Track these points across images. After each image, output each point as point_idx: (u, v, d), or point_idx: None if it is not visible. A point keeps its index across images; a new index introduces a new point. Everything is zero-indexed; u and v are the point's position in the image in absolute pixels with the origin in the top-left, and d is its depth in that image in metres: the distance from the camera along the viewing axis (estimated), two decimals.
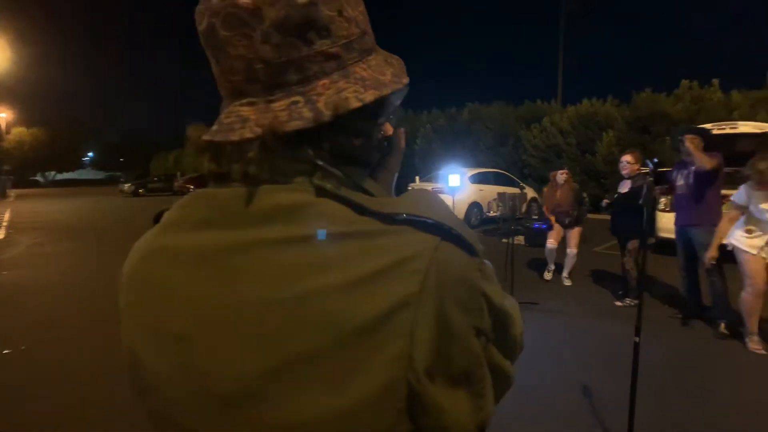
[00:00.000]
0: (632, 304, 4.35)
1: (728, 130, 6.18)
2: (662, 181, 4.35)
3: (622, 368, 2.41)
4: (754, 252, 3.07)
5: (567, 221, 5.20)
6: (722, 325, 3.42)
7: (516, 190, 10.75)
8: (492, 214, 8.78)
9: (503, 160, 15.41)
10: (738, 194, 3.15)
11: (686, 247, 3.78)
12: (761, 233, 3.06)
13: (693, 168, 3.60)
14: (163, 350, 0.39)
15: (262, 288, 0.35)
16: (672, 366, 3.03)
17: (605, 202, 4.89)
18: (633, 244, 4.36)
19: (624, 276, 4.52)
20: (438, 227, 0.37)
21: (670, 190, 4.11)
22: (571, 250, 5.11)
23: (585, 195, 5.83)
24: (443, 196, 9.71)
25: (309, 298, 0.34)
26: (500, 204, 8.82)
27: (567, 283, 5.17)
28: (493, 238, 8.84)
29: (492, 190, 10.58)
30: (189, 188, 21.56)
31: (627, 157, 4.40)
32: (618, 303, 4.43)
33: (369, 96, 0.39)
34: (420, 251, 0.36)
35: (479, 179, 10.42)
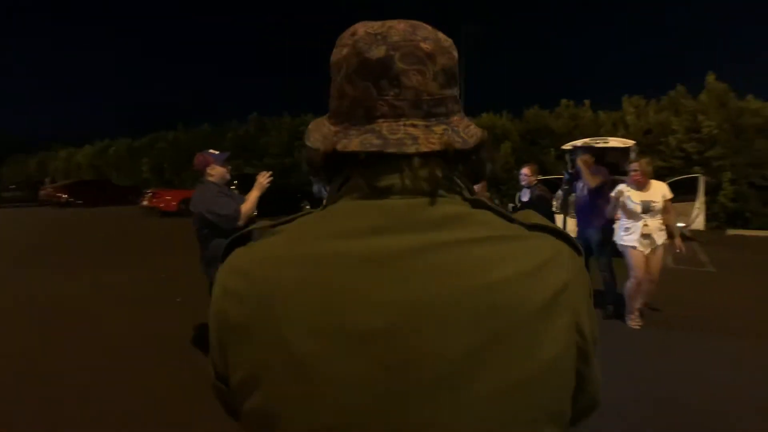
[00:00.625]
0: None
1: (602, 144, 7.52)
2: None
3: None
4: (635, 246, 3.83)
5: None
6: (610, 308, 4.21)
7: None
8: None
9: None
10: (615, 191, 3.93)
11: (584, 245, 4.57)
12: (636, 227, 3.83)
13: (581, 183, 4.46)
14: (356, 350, 0.41)
15: (455, 281, 0.42)
16: None
17: (511, 206, 5.58)
18: None
19: None
20: (561, 234, 0.50)
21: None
22: None
23: (497, 201, 6.49)
24: None
25: (496, 286, 0.42)
26: None
27: None
28: None
29: None
30: (62, 197, 18.62)
31: (525, 170, 5.06)
32: None
33: (482, 132, 0.51)
34: (560, 250, 0.48)
35: None
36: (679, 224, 5.58)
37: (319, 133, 0.52)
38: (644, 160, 3.86)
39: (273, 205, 12.04)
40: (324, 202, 0.54)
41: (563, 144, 13.13)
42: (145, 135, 25.91)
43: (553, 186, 9.44)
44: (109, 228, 11.89)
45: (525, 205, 5.13)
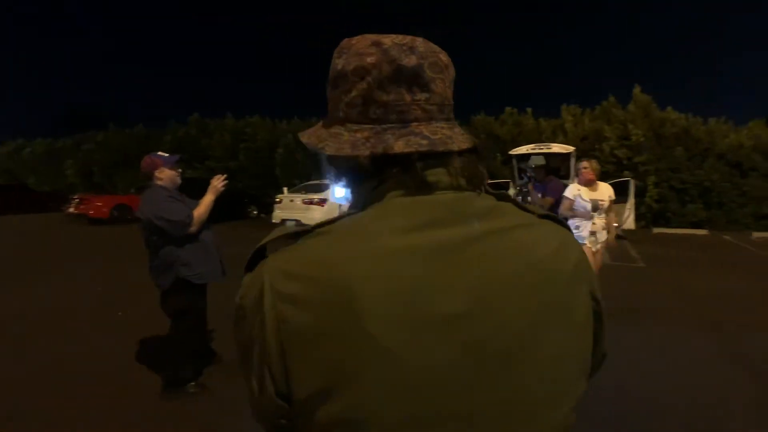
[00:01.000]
0: None
1: (546, 150, 8.03)
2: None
3: None
4: (584, 243, 4.11)
5: None
6: None
7: None
8: None
9: None
10: (568, 190, 4.20)
11: None
12: (585, 225, 4.11)
13: (547, 188, 4.76)
14: (441, 336, 0.45)
15: (509, 262, 0.49)
16: None
17: None
18: None
19: None
20: (559, 220, 0.59)
21: None
22: None
23: None
24: (315, 207, 9.89)
25: (539, 264, 0.50)
26: None
27: None
28: None
29: None
30: None
31: None
32: None
33: None
34: (566, 233, 0.57)
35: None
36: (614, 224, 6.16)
37: (339, 140, 0.54)
38: (594, 161, 4.17)
39: (219, 211, 11.60)
40: (349, 203, 0.58)
41: (509, 149, 13.91)
42: (68, 136, 23.78)
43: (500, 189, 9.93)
44: (31, 238, 10.76)
45: None
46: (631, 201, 9.04)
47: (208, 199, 2.91)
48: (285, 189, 10.98)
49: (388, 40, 0.53)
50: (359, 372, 0.43)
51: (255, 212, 15.47)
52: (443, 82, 0.54)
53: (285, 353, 0.46)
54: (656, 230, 11.33)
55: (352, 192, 0.59)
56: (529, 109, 14.34)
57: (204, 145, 18.05)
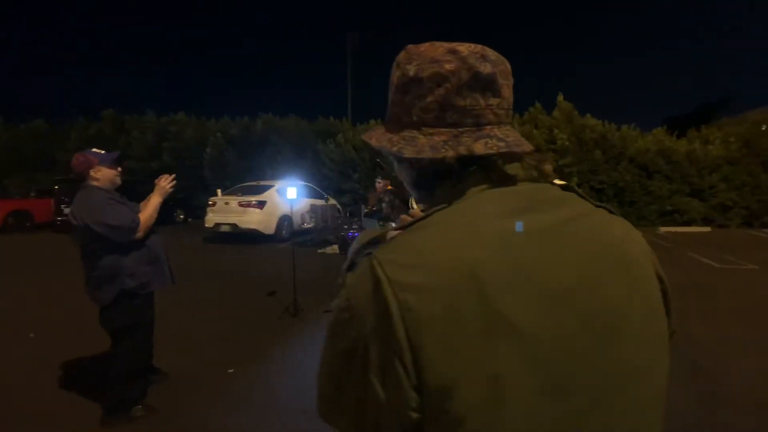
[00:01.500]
0: None
1: None
2: None
3: None
4: None
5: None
6: None
7: (322, 202, 11.42)
8: (306, 225, 9.06)
9: (303, 173, 15.99)
10: None
11: None
12: None
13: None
14: (563, 309, 0.48)
15: (599, 243, 0.54)
16: None
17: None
18: None
19: None
20: (609, 209, 0.61)
21: None
22: None
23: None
24: (253, 210, 9.43)
25: (620, 243, 0.55)
26: (313, 215, 9.21)
27: None
28: (308, 248, 9.13)
29: (303, 202, 10.89)
30: None
31: (380, 181, 5.59)
32: None
33: None
34: (623, 220, 0.60)
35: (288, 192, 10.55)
36: None
37: (416, 143, 0.58)
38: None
39: None
40: (414, 199, 0.65)
41: None
42: None
43: None
44: None
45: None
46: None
47: (155, 201, 2.63)
48: (218, 191, 10.35)
49: (463, 48, 0.57)
50: (494, 351, 0.45)
51: (182, 217, 14.45)
52: (509, 88, 0.60)
53: (413, 342, 0.45)
54: None
55: (426, 191, 0.64)
56: None
57: (122, 144, 16.47)
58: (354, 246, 0.59)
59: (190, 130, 16.77)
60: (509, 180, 0.56)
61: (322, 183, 15.50)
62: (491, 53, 0.58)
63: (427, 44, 0.60)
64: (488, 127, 0.57)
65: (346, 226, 8.90)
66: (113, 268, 2.43)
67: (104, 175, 2.53)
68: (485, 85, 0.56)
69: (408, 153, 0.57)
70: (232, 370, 3.27)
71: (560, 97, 13.85)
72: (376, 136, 0.63)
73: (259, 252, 8.81)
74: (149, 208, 2.57)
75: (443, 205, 0.54)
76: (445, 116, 0.57)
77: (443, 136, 0.57)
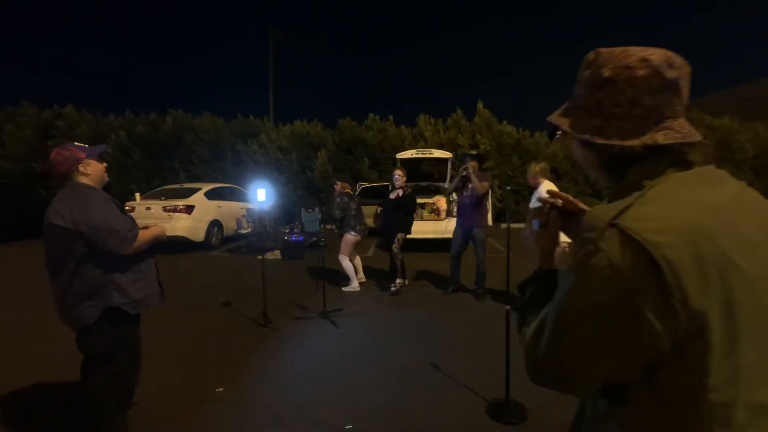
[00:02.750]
0: (405, 283, 5.65)
1: (428, 155, 8.81)
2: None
3: (441, 340, 3.27)
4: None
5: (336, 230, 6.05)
6: (483, 292, 5.15)
7: (257, 206, 10.90)
8: (244, 231, 8.60)
9: (223, 174, 15.09)
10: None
11: (464, 241, 5.28)
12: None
13: (471, 185, 5.09)
14: (756, 254, 0.65)
15: (761, 206, 0.72)
16: (466, 325, 4.26)
17: (379, 209, 6.04)
18: (401, 236, 5.64)
19: (392, 264, 5.73)
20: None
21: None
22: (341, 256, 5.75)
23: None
24: (180, 215, 8.68)
25: None
26: (250, 220, 8.80)
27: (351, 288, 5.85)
28: (245, 255, 8.68)
29: (232, 207, 10.30)
30: None
31: (399, 172, 5.76)
32: (392, 288, 5.58)
33: None
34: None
35: (216, 195, 9.91)
36: None
37: (605, 132, 0.74)
38: (533, 163, 4.77)
39: (18, 226, 9.08)
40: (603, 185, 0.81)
41: (375, 153, 14.67)
42: None
43: (377, 193, 10.46)
44: None
45: (395, 201, 5.72)
46: (489, 201, 10.60)
47: (154, 231, 2.39)
48: (138, 195, 9.36)
49: (654, 57, 0.70)
50: (734, 298, 0.61)
51: None
52: (687, 89, 0.74)
53: (677, 282, 0.60)
54: (503, 225, 13.51)
55: (616, 172, 0.76)
56: (390, 117, 15.41)
57: None
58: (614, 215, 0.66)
59: (84, 126, 14.82)
60: (690, 164, 0.72)
61: (246, 186, 14.78)
62: (678, 60, 0.71)
63: (620, 50, 0.73)
64: (669, 120, 0.72)
65: (287, 231, 8.65)
66: (99, 281, 2.15)
67: (95, 169, 2.24)
68: (670, 87, 0.71)
69: (600, 140, 0.74)
70: (221, 389, 3.06)
71: (480, 105, 14.97)
72: (569, 123, 0.79)
73: (191, 261, 8.17)
74: (147, 233, 2.32)
75: (655, 181, 0.69)
76: (633, 112, 0.72)
77: (630, 127, 0.72)
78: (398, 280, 5.65)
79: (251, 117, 16.96)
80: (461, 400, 2.91)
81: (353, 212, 5.60)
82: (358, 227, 5.60)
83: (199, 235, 8.97)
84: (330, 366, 3.47)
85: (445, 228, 8.11)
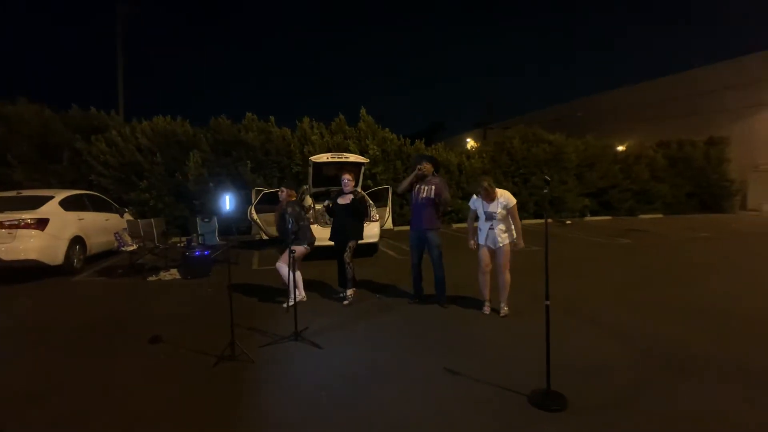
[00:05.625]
0: (354, 293, 5.53)
1: (344, 159, 8.70)
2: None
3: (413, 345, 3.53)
4: (481, 242, 4.92)
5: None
6: (444, 298, 5.31)
7: (116, 216, 9.21)
8: (128, 248, 7.13)
9: (57, 179, 12.21)
10: (471, 201, 4.93)
11: (420, 247, 5.32)
12: (482, 229, 4.90)
13: (432, 187, 5.15)
14: None
15: None
16: (439, 327, 4.43)
17: (326, 203, 5.74)
18: (353, 244, 5.50)
19: (344, 272, 5.55)
20: None
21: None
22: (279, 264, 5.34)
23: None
24: (28, 232, 6.74)
25: None
26: (134, 235, 7.44)
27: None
28: (126, 278, 7.18)
29: (96, 219, 8.51)
30: None
31: (348, 176, 5.59)
32: (345, 298, 5.49)
33: None
34: None
35: (74, 205, 7.99)
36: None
37: None
38: (489, 178, 4.84)
39: None
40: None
41: (259, 155, 13.73)
42: None
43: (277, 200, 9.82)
44: None
45: (346, 207, 5.48)
46: (389, 205, 11.00)
47: None
48: None
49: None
50: None
51: None
52: None
53: None
54: (396, 228, 14.15)
55: None
56: (272, 117, 14.64)
57: None
58: None
59: None
60: None
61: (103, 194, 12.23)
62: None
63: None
64: None
65: (186, 245, 7.51)
66: None
67: None
68: None
69: None
70: None
71: (363, 111, 15.37)
72: None
73: (56, 292, 6.47)
74: None
75: None
76: None
77: None
78: (349, 291, 5.50)
79: (93, 109, 14.15)
80: (496, 397, 3.04)
81: (306, 222, 5.24)
82: (312, 239, 5.28)
83: (57, 258, 7.12)
84: (339, 393, 3.17)
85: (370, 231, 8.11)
